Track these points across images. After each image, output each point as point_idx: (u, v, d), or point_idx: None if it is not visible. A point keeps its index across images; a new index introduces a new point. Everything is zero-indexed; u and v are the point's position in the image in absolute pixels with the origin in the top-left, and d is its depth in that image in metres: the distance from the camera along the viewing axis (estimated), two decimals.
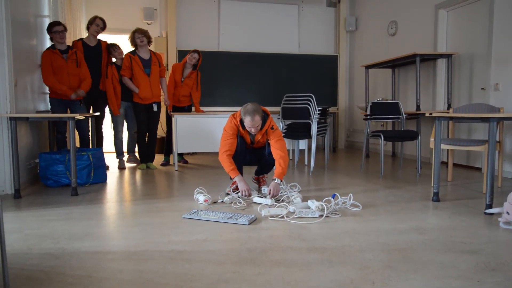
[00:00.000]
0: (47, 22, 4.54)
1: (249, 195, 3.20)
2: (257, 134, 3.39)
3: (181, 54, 6.58)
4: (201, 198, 3.12)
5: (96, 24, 4.81)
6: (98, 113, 4.84)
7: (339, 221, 2.63)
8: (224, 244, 2.19)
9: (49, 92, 4.38)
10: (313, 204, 2.80)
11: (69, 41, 5.12)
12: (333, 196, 3.02)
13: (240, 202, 3.06)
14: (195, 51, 5.27)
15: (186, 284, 1.68)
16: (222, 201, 3.14)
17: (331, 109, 7.29)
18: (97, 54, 4.87)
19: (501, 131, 3.78)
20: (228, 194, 3.34)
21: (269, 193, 3.15)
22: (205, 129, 4.88)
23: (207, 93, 6.88)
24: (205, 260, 1.94)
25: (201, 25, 7.10)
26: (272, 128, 3.35)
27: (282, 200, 3.14)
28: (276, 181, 3.22)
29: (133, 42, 4.90)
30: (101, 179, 4.06)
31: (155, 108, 5.01)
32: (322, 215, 2.68)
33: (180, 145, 4.85)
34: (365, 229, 2.45)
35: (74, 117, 3.42)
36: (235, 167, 3.28)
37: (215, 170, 4.89)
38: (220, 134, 3.50)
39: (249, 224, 2.54)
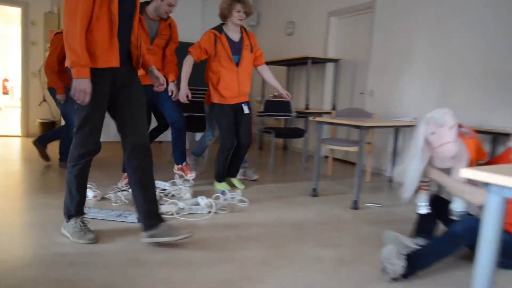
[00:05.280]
0: None
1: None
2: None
3: None
4: (90, 193, 3.04)
5: None
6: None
7: (226, 217, 2.81)
8: (110, 245, 2.20)
9: None
10: (202, 200, 2.93)
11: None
12: (223, 192, 3.19)
13: (121, 200, 3.01)
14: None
15: None
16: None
17: None
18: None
19: (372, 134, 4.34)
20: (118, 189, 3.31)
21: (172, 94, 3.41)
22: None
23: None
24: (91, 263, 1.95)
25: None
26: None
27: (172, 195, 3.22)
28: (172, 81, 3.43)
29: (227, 14, 3.42)
30: None
31: (246, 110, 3.61)
32: (210, 212, 2.83)
33: None
34: (248, 224, 2.67)
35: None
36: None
37: (109, 161, 4.74)
38: None
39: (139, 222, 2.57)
